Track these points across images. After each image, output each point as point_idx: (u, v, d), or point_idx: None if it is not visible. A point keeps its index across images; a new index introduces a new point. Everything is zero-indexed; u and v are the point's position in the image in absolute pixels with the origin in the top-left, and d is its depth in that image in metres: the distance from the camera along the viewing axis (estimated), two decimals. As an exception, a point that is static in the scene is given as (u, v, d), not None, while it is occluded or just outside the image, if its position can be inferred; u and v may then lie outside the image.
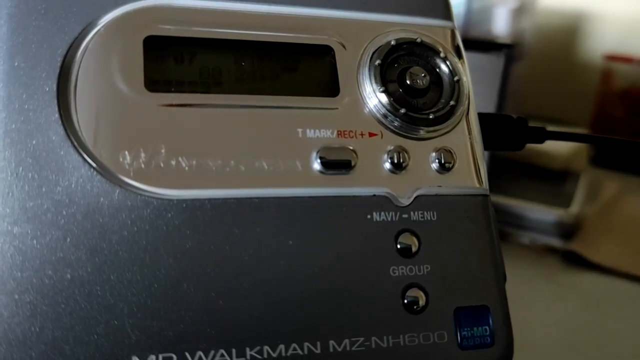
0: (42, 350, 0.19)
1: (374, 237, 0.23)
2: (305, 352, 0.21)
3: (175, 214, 0.21)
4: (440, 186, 0.25)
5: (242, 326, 0.21)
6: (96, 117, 0.22)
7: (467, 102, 0.26)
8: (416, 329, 0.23)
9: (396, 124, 0.25)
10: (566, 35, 0.94)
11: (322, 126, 0.24)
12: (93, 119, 0.22)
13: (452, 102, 0.25)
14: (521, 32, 0.72)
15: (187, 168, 0.22)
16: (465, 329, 0.23)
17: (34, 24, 0.22)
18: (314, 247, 0.22)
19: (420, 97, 0.25)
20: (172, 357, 0.20)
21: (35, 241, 0.20)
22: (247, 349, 0.21)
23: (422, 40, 0.26)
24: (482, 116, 0.27)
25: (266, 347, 0.21)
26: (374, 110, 0.25)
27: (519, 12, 0.71)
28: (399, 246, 0.23)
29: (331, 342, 0.22)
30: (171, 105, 0.22)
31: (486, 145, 0.27)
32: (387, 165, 0.24)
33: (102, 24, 0.22)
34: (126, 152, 0.21)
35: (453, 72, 0.26)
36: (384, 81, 0.25)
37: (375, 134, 0.24)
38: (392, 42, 0.25)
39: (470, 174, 0.25)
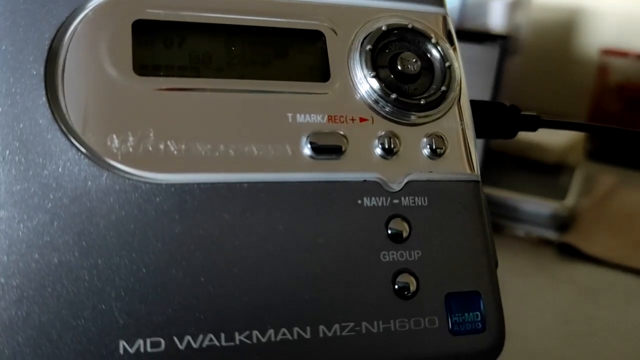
0: (29, 334, 0.19)
1: (364, 222, 0.23)
2: (295, 337, 0.21)
3: (164, 199, 0.21)
4: (431, 172, 0.24)
5: (231, 311, 0.21)
6: (84, 101, 0.21)
7: (458, 88, 0.26)
8: (407, 314, 0.23)
9: (387, 109, 0.24)
10: (562, 30, 0.94)
11: (312, 111, 0.24)
12: (81, 103, 0.21)
13: (443, 88, 0.25)
14: (517, 27, 0.72)
15: (176, 152, 0.22)
16: (457, 315, 0.23)
17: (21, 7, 0.22)
18: (304, 233, 0.22)
19: (411, 82, 0.25)
20: (160, 342, 0.20)
21: (21, 225, 0.20)
22: (236, 334, 0.21)
23: (413, 26, 0.26)
24: (474, 103, 0.27)
25: (255, 332, 0.21)
26: (365, 95, 0.25)
27: (514, 7, 0.71)
28: (389, 232, 0.23)
29: (321, 327, 0.22)
30: (160, 89, 0.22)
31: (478, 133, 0.27)
32: (378, 150, 0.24)
33: (90, 8, 0.22)
34: (114, 136, 0.21)
35: (444, 57, 0.26)
36: (375, 67, 0.25)
37: (366, 119, 0.24)
38: (383, 28, 0.25)
39: (462, 160, 0.25)
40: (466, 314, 0.23)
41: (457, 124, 0.26)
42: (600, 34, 0.92)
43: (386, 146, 0.24)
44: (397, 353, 0.22)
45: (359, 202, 0.23)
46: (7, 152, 0.20)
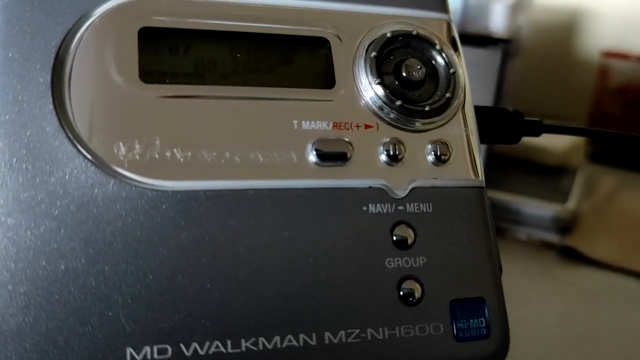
0: (36, 341, 0.19)
1: (369, 229, 0.23)
2: (301, 343, 0.21)
3: (170, 205, 0.21)
4: (436, 178, 0.25)
5: (237, 317, 0.21)
6: (91, 109, 0.21)
7: (463, 95, 0.26)
8: (412, 320, 0.23)
9: (392, 116, 0.25)
10: (563, 32, 0.94)
11: (317, 118, 0.24)
12: (87, 110, 0.21)
13: (447, 95, 0.25)
14: (518, 29, 0.72)
15: (182, 159, 0.22)
16: (461, 321, 0.23)
17: (28, 15, 0.22)
18: (309, 239, 0.22)
19: (416, 89, 0.25)
20: (167, 349, 0.20)
21: (29, 232, 0.20)
22: (243, 341, 0.21)
23: (417, 33, 0.26)
24: (478, 109, 0.27)
25: (261, 339, 0.21)
26: (370, 102, 0.25)
27: (516, 9, 0.71)
28: (394, 238, 0.23)
29: (327, 334, 0.22)
30: (166, 96, 0.22)
31: (482, 138, 0.27)
32: (383, 157, 0.24)
33: (96, 15, 0.22)
34: (121, 144, 0.21)
35: (449, 64, 0.26)
36: (380, 73, 0.25)
37: (371, 126, 0.24)
38: (388, 35, 0.25)
39: (466, 166, 0.25)
40: (471, 320, 0.23)
41: (462, 130, 0.26)
42: (601, 35, 0.92)
43: (391, 153, 0.24)
44: (402, 359, 0.22)
45: (364, 208, 0.23)
46: (15, 159, 0.20)
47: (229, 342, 0.21)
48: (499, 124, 0.30)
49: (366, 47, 0.25)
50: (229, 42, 0.24)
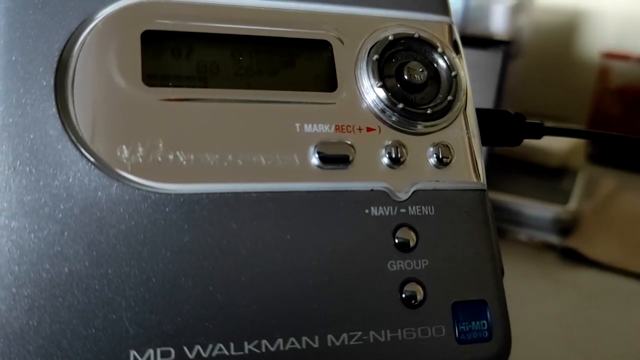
0: (40, 344, 0.19)
1: (371, 231, 0.23)
2: (304, 346, 0.21)
3: (173, 208, 0.21)
4: (438, 181, 0.25)
5: (240, 320, 0.21)
6: (94, 112, 0.22)
7: (464, 98, 0.26)
8: (414, 323, 0.23)
9: (394, 118, 0.25)
10: (564, 33, 0.94)
11: (319, 121, 0.24)
12: (91, 113, 0.21)
13: (449, 97, 0.25)
14: (519, 30, 0.72)
15: (184, 162, 0.22)
16: (463, 324, 0.23)
17: (31, 18, 0.22)
18: (311, 242, 0.23)
19: (418, 92, 0.25)
20: (170, 351, 0.20)
21: (32, 235, 0.20)
22: (246, 343, 0.21)
23: (419, 36, 0.26)
24: (479, 111, 0.27)
25: (264, 341, 0.21)
26: (372, 105, 0.25)
27: (516, 10, 0.71)
28: (396, 241, 0.23)
29: (329, 337, 0.22)
30: (169, 99, 0.22)
31: (484, 141, 0.27)
32: (385, 160, 0.24)
33: (99, 18, 0.22)
34: (124, 147, 0.21)
35: (451, 67, 0.26)
36: (382, 76, 0.25)
37: (373, 129, 0.24)
38: (390, 37, 0.25)
39: (468, 169, 0.25)
40: (473, 323, 0.23)
41: (463, 133, 0.26)
42: (601, 37, 0.92)
43: (393, 155, 0.24)
44: (405, 362, 0.22)
45: (367, 211, 0.23)
46: (18, 162, 0.21)
47: (232, 345, 0.21)
48: (500, 127, 0.30)
49: (368, 50, 0.25)
50: (232, 45, 0.24)
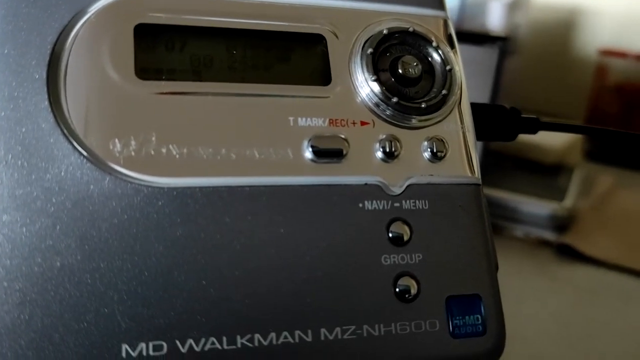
0: (32, 338, 0.19)
1: (365, 225, 0.23)
2: (297, 340, 0.21)
3: (166, 202, 0.21)
4: (432, 175, 0.25)
5: (233, 314, 0.21)
6: (86, 105, 0.21)
7: (459, 92, 0.26)
8: (408, 317, 0.23)
9: (388, 112, 0.25)
10: (561, 30, 0.94)
11: (313, 115, 0.24)
12: (83, 107, 0.21)
13: (444, 91, 0.25)
14: (515, 27, 0.72)
15: (177, 156, 0.22)
16: (457, 318, 0.23)
17: (23, 11, 0.22)
18: (305, 236, 0.22)
19: (412, 86, 0.25)
20: (163, 345, 0.20)
21: (24, 229, 0.20)
22: (238, 337, 0.21)
23: (414, 30, 0.26)
24: (474, 106, 0.27)
25: (257, 335, 0.21)
26: (366, 99, 0.25)
27: (513, 7, 0.71)
28: (390, 235, 0.23)
29: (322, 331, 0.22)
30: (162, 93, 0.22)
31: (479, 136, 0.27)
32: (379, 154, 0.24)
33: (92, 12, 0.22)
34: (116, 140, 0.21)
35: (445, 61, 0.26)
36: (376, 70, 0.25)
37: (367, 123, 0.24)
38: (384, 31, 0.25)
39: (462, 163, 0.25)
40: (467, 317, 0.23)
41: (458, 127, 0.26)
42: (599, 34, 0.92)
43: (387, 150, 0.24)
44: (398, 356, 0.22)
45: (360, 205, 0.23)
46: (10, 156, 0.20)
47: (224, 339, 0.21)
48: (495, 121, 0.30)
49: (362, 43, 0.25)
50: (226, 39, 0.24)
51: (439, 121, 0.25)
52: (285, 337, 0.21)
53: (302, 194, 0.23)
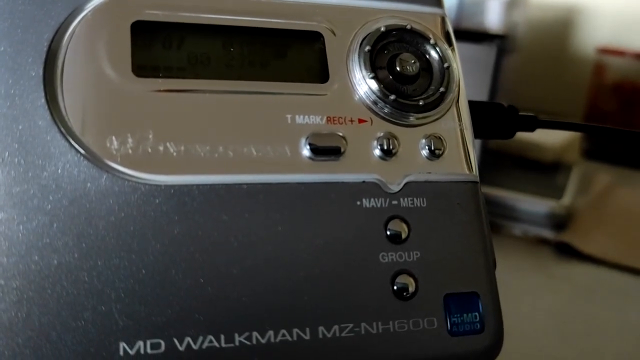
0: (29, 336, 0.19)
1: (363, 223, 0.23)
2: (295, 338, 0.21)
3: (163, 200, 0.21)
4: (430, 173, 0.25)
5: (230, 312, 0.21)
6: (83, 103, 0.21)
7: (457, 89, 0.26)
8: (406, 315, 0.23)
9: (386, 110, 0.25)
10: (559, 29, 0.94)
11: (311, 112, 0.24)
12: (80, 105, 0.21)
13: (442, 89, 0.25)
14: (514, 25, 0.72)
15: (175, 154, 0.22)
16: (455, 316, 0.23)
17: (20, 9, 0.22)
18: (303, 234, 0.22)
19: (410, 83, 0.25)
20: (160, 343, 0.20)
21: (21, 227, 0.20)
22: (236, 335, 0.21)
23: (412, 27, 0.26)
24: (472, 104, 0.27)
25: (255, 333, 0.21)
26: (364, 96, 0.25)
27: (511, 5, 0.71)
28: (388, 232, 0.23)
29: (320, 328, 0.22)
30: (159, 90, 0.22)
31: (477, 133, 0.27)
32: (377, 151, 0.24)
33: (89, 9, 0.22)
34: (113, 138, 0.21)
35: (443, 58, 0.26)
36: (374, 67, 0.25)
37: (365, 121, 0.24)
38: (382, 29, 0.25)
39: (460, 161, 0.25)
40: (465, 315, 0.23)
41: (456, 124, 0.26)
42: (597, 32, 0.92)
43: (385, 147, 0.24)
44: (396, 354, 0.22)
45: (358, 203, 0.23)
46: (7, 153, 0.20)
47: (222, 337, 0.21)
48: (493, 119, 0.30)
49: (360, 41, 0.25)
50: (223, 36, 0.24)
51: (437, 119, 0.25)
52: (284, 335, 0.21)
53: (300, 192, 0.23)
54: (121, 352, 0.20)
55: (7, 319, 0.19)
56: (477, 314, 0.24)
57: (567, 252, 0.53)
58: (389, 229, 0.23)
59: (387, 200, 0.24)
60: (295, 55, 0.25)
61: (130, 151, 0.21)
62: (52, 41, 0.22)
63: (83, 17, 0.22)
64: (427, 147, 0.25)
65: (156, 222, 0.21)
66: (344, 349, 0.22)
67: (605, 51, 0.86)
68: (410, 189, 0.24)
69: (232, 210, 0.22)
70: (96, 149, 0.21)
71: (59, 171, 0.21)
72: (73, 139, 0.21)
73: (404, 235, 0.23)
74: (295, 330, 0.21)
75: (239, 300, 0.21)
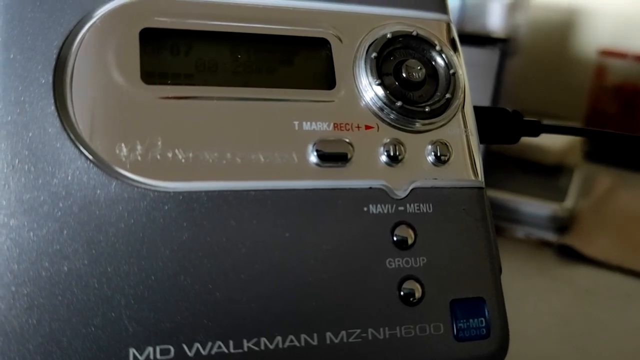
0: (40, 342, 0.19)
1: (370, 229, 0.23)
2: (302, 343, 0.22)
3: (172, 206, 0.21)
4: (436, 179, 0.25)
5: (239, 318, 0.21)
6: (92, 110, 0.22)
7: (462, 95, 0.26)
8: (412, 320, 0.23)
9: (392, 116, 0.25)
10: (560, 31, 0.94)
11: (318, 119, 0.24)
12: (89, 111, 0.21)
13: (447, 95, 0.25)
14: (516, 27, 0.72)
15: (183, 160, 0.22)
16: (461, 321, 0.23)
17: (29, 16, 0.22)
18: (310, 240, 0.23)
19: (416, 90, 0.25)
20: (170, 349, 0.20)
21: (32, 233, 0.20)
22: (245, 341, 0.21)
23: (418, 34, 0.26)
24: (477, 109, 0.27)
25: (263, 339, 0.21)
26: (370, 103, 0.25)
27: (513, 7, 0.71)
28: (395, 238, 0.24)
29: (328, 334, 0.22)
30: (167, 97, 0.22)
31: (482, 139, 0.27)
32: (384, 157, 0.24)
33: (98, 16, 0.22)
34: (123, 145, 0.21)
35: (449, 65, 0.26)
36: (380, 74, 0.25)
37: (372, 127, 0.24)
38: (388, 35, 0.25)
39: (466, 167, 0.25)
40: (471, 320, 0.24)
41: (461, 130, 0.26)
42: (599, 34, 0.92)
43: (391, 153, 0.24)
44: (403, 359, 0.23)
45: (365, 209, 0.23)
46: (17, 160, 0.20)
47: (231, 343, 0.21)
48: (498, 124, 0.30)
49: (366, 47, 0.25)
50: (230, 43, 0.24)
51: (443, 125, 0.25)
52: (292, 341, 0.21)
53: (307, 198, 0.23)
54: (131, 358, 0.20)
55: (18, 325, 0.19)
56: (483, 319, 0.24)
57: (570, 254, 0.53)
58: (396, 235, 0.24)
59: (394, 206, 0.24)
60: (302, 62, 0.25)
61: (139, 158, 0.21)
62: (61, 48, 0.22)
63: (92, 25, 0.22)
64: (433, 153, 0.25)
65: (165, 229, 0.21)
66: (352, 355, 0.22)
67: (606, 53, 0.86)
68: (417, 195, 0.24)
69: (240, 217, 0.22)
70: (105, 156, 0.21)
71: (69, 178, 0.21)
72: (82, 146, 0.21)
73: (410, 241, 0.24)
74: (303, 336, 0.22)
75: (247, 306, 0.21)
